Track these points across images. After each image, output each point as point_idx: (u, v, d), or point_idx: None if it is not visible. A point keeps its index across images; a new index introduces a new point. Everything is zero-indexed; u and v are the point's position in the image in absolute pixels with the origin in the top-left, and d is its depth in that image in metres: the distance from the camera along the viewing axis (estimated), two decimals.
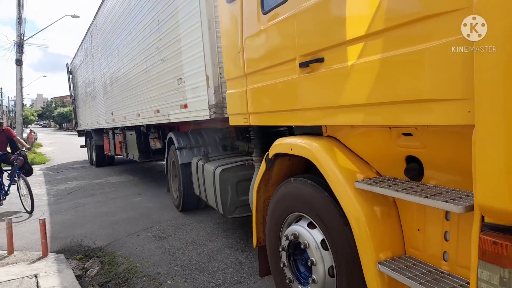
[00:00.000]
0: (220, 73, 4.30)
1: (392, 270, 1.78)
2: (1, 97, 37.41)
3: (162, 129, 7.45)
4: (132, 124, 8.08)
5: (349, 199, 2.00)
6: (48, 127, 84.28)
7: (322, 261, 2.29)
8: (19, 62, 19.53)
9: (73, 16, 21.63)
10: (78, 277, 4.23)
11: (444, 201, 1.52)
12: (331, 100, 2.14)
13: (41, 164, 15.82)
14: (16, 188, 7.10)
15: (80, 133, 16.10)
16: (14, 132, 7.45)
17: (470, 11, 1.31)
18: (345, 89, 1.99)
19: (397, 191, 1.75)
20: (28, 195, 6.75)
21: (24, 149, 7.32)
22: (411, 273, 1.73)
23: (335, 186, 2.09)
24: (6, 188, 7.23)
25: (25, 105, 25.02)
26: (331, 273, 2.26)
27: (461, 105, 1.40)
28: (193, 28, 4.57)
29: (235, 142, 5.44)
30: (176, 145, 5.87)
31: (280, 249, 2.70)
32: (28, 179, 7.06)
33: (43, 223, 4.78)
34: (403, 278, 1.70)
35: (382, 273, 1.85)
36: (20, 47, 19.33)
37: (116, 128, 10.27)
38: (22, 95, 20.36)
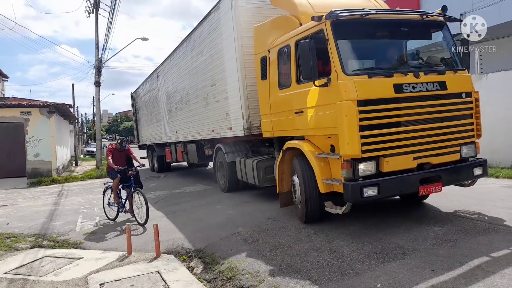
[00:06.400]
0: (249, 112, 7.96)
1: (326, 180, 5.52)
2: (77, 115, 41.37)
3: (212, 142, 11.10)
4: (193, 139, 11.96)
5: (313, 161, 5.74)
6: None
7: (298, 185, 6.08)
8: (98, 84, 20.34)
9: (143, 39, 22.16)
10: None
11: (333, 156, 5.33)
12: (305, 125, 5.95)
13: None
14: (128, 202, 7.61)
15: (141, 147, 19.73)
16: (132, 150, 8.18)
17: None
18: (308, 123, 5.82)
19: (325, 155, 5.55)
20: (143, 207, 7.05)
21: (139, 165, 7.75)
22: (333, 180, 5.46)
23: (308, 157, 5.83)
24: (123, 201, 7.77)
25: (95, 120, 26.14)
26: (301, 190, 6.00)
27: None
28: (235, 87, 8.33)
29: (259, 148, 9.24)
30: (224, 151, 9.66)
31: (292, 187, 6.42)
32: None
33: (156, 227, 5.17)
34: (328, 182, 5.46)
35: (324, 183, 5.55)
36: (98, 70, 20.22)
37: (178, 142, 13.95)
38: (100, 113, 21.68)
